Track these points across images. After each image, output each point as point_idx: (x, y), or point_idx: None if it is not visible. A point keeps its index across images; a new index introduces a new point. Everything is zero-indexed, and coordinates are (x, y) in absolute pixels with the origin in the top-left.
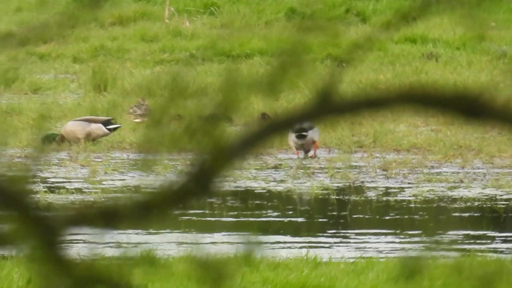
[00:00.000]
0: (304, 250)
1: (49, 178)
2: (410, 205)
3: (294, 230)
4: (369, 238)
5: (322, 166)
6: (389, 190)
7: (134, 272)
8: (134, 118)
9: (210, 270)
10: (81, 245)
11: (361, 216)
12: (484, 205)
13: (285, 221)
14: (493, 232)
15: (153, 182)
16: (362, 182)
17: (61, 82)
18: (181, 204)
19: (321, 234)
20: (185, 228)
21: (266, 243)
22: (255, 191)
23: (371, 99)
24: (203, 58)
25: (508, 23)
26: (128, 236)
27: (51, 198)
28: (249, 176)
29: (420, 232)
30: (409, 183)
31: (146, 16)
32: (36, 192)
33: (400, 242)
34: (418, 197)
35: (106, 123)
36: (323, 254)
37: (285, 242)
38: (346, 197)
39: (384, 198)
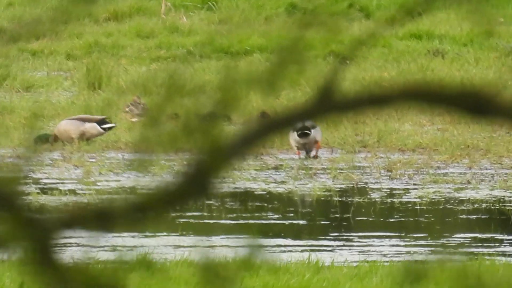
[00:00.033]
0: (305, 254)
1: (41, 179)
2: (416, 207)
3: (295, 233)
4: (373, 241)
5: (324, 166)
6: (394, 192)
7: (130, 276)
8: (131, 118)
9: (210, 274)
10: (75, 248)
11: (365, 218)
12: (492, 207)
13: (286, 223)
14: (502, 235)
15: (149, 183)
16: (366, 183)
17: (54, 80)
18: (178, 205)
19: (323, 237)
20: (183, 231)
21: (266, 246)
22: (255, 192)
23: (374, 96)
24: (201, 55)
25: None
26: (124, 239)
27: (44, 199)
28: (248, 177)
29: (425, 235)
30: (414, 184)
31: (141, 12)
32: (28, 194)
33: (405, 246)
34: (424, 199)
35: (100, 122)
36: (325, 257)
37: (286, 246)
38: (349, 199)
39: (389, 200)
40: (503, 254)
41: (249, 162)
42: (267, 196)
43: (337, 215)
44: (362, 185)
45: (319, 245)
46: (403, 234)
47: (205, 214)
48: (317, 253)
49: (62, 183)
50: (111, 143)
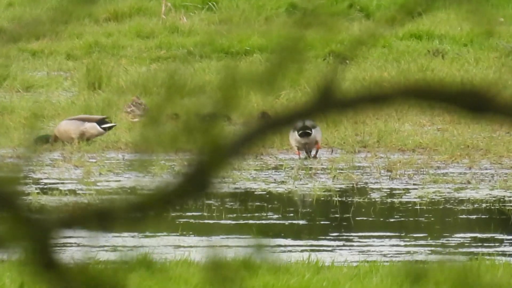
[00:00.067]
0: (305, 254)
1: (41, 179)
2: (416, 207)
3: (295, 233)
4: (373, 241)
5: (324, 166)
6: (394, 192)
7: (130, 276)
8: (133, 118)
9: (218, 274)
10: (75, 248)
11: (365, 218)
12: (492, 207)
13: (286, 223)
14: (502, 235)
15: (149, 183)
16: (366, 183)
17: (54, 80)
18: (178, 205)
19: (323, 237)
20: (183, 231)
21: (268, 246)
22: (255, 192)
23: (373, 95)
24: (201, 55)
25: None
26: (124, 239)
27: (44, 199)
28: (248, 177)
29: (425, 235)
30: (414, 184)
31: (142, 12)
32: (29, 194)
33: (405, 246)
34: (424, 199)
35: (100, 122)
36: (325, 258)
37: (286, 246)
38: (349, 199)
39: (389, 200)
40: (503, 254)
41: (249, 162)
42: (267, 196)
43: (337, 215)
44: (362, 185)
45: (319, 245)
46: (403, 234)
47: (205, 214)
48: (317, 253)
49: (62, 183)
50: (111, 143)
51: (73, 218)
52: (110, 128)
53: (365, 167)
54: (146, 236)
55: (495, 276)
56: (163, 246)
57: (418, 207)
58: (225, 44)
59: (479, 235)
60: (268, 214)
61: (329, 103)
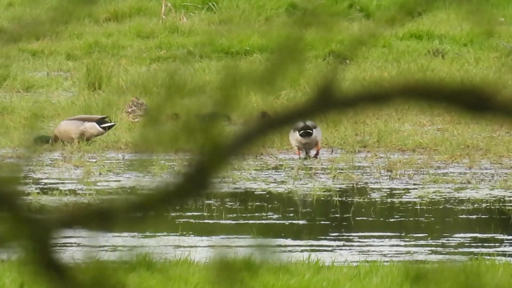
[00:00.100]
0: (305, 254)
1: (41, 179)
2: (416, 207)
3: (295, 233)
4: (373, 241)
5: (324, 166)
6: (394, 192)
7: (130, 276)
8: (133, 118)
9: (218, 274)
10: (75, 248)
11: (365, 218)
12: (492, 207)
13: (286, 223)
14: (502, 235)
15: (149, 183)
16: (366, 183)
17: (54, 80)
18: (178, 205)
19: (323, 237)
20: (183, 231)
21: (269, 246)
22: (255, 192)
23: (373, 95)
24: (201, 55)
25: None
26: (124, 239)
27: (44, 199)
28: (248, 177)
29: (425, 235)
30: (414, 184)
31: (142, 12)
32: (29, 194)
33: (405, 245)
34: (424, 199)
35: (100, 121)
36: (326, 258)
37: (286, 246)
38: (349, 199)
39: (389, 200)
40: (503, 254)
41: (249, 162)
42: (267, 196)
43: (337, 215)
44: (362, 185)
45: (319, 245)
46: (403, 234)
47: (205, 214)
48: (317, 253)
49: (62, 183)
50: (111, 143)
51: (73, 218)
52: (110, 127)
53: (365, 167)
54: (146, 236)
55: (495, 276)
56: (163, 246)
57: (418, 207)
58: (225, 44)
59: (479, 235)
60: (268, 214)
61: (329, 103)
